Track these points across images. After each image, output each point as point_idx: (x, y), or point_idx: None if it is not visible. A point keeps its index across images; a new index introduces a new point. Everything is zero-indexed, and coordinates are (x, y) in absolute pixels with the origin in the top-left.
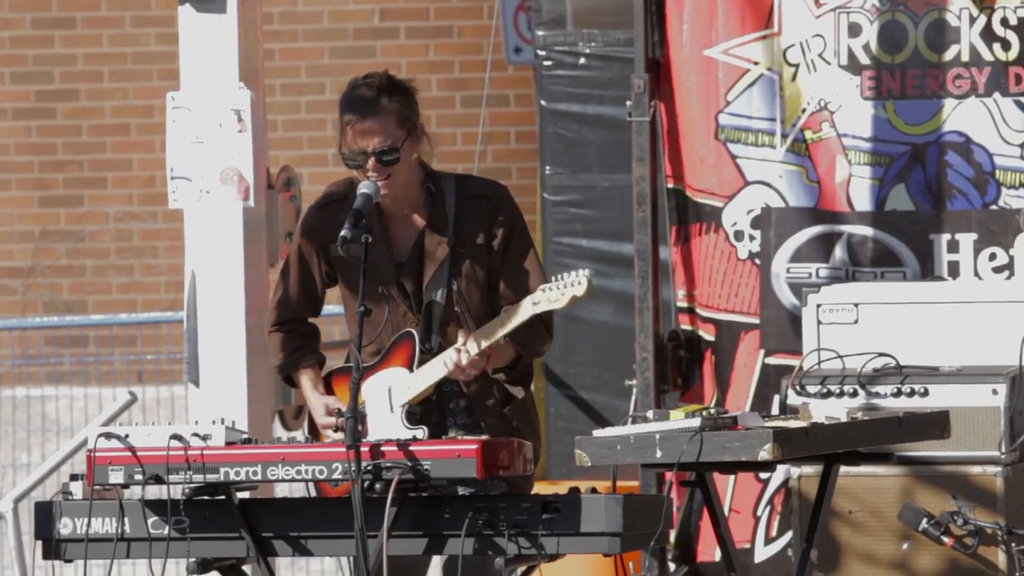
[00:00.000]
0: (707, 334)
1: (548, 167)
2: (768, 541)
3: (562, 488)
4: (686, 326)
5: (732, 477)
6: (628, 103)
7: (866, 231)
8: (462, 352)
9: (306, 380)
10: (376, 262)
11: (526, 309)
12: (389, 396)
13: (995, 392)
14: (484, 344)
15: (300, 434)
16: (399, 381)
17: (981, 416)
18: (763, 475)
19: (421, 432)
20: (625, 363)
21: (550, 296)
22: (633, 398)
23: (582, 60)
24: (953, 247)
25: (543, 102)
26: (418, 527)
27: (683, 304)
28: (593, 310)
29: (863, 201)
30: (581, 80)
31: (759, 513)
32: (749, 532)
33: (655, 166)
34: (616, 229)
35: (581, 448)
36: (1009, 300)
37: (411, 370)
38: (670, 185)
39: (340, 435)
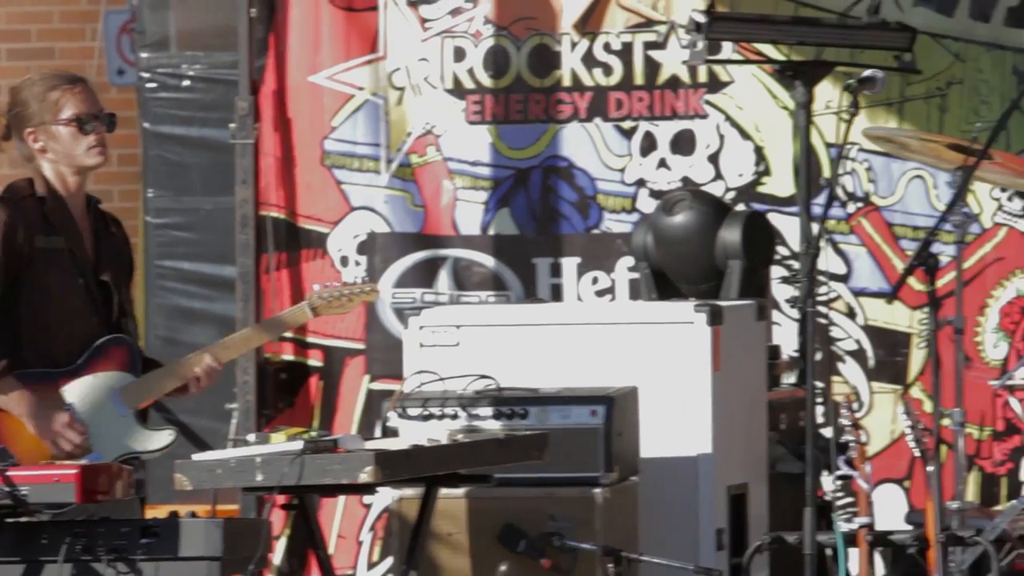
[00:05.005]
0: (316, 360)
1: (151, 190)
2: (370, 566)
3: (162, 512)
4: (288, 355)
5: (341, 502)
6: (232, 125)
7: (471, 255)
8: (205, 364)
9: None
10: (74, 258)
11: (300, 315)
12: (117, 401)
13: (594, 414)
14: (229, 357)
15: None
16: (124, 386)
17: (581, 437)
18: (367, 500)
19: (170, 433)
20: (226, 386)
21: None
22: (234, 421)
23: (186, 82)
24: (556, 271)
25: (146, 124)
26: (16, 553)
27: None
28: (195, 333)
29: (468, 225)
30: (185, 102)
31: (362, 538)
32: (352, 557)
33: (258, 189)
34: (219, 252)
35: (181, 472)
36: (608, 322)
37: (136, 375)
38: (274, 214)
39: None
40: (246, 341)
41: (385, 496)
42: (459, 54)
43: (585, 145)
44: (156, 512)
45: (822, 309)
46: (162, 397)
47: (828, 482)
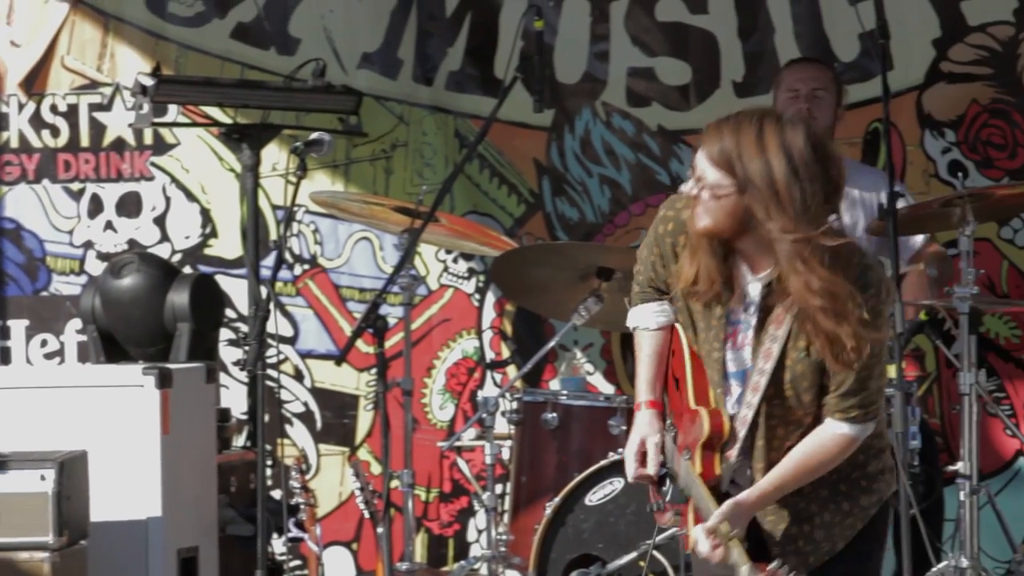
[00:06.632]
0: None
1: None
2: None
3: None
4: None
5: None
6: None
7: None
8: None
9: None
10: None
11: None
12: None
13: (43, 478)
14: None
15: None
16: None
17: (30, 502)
18: None
19: None
20: None
21: None
22: None
23: None
24: (5, 333)
25: None
26: None
27: None
28: None
29: None
30: None
31: None
32: None
33: None
34: None
35: None
36: (57, 385)
37: None
38: None
39: None
40: None
41: None
42: None
43: (34, 207)
44: None
45: (271, 372)
46: None
47: (278, 544)
